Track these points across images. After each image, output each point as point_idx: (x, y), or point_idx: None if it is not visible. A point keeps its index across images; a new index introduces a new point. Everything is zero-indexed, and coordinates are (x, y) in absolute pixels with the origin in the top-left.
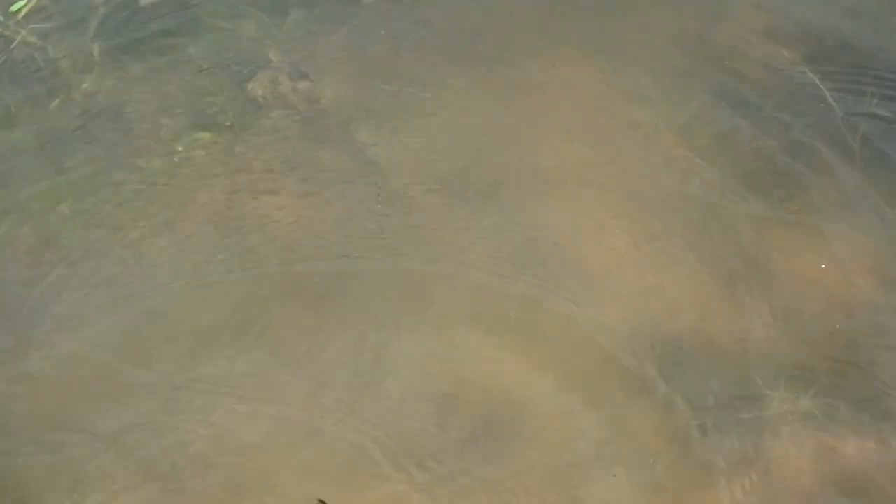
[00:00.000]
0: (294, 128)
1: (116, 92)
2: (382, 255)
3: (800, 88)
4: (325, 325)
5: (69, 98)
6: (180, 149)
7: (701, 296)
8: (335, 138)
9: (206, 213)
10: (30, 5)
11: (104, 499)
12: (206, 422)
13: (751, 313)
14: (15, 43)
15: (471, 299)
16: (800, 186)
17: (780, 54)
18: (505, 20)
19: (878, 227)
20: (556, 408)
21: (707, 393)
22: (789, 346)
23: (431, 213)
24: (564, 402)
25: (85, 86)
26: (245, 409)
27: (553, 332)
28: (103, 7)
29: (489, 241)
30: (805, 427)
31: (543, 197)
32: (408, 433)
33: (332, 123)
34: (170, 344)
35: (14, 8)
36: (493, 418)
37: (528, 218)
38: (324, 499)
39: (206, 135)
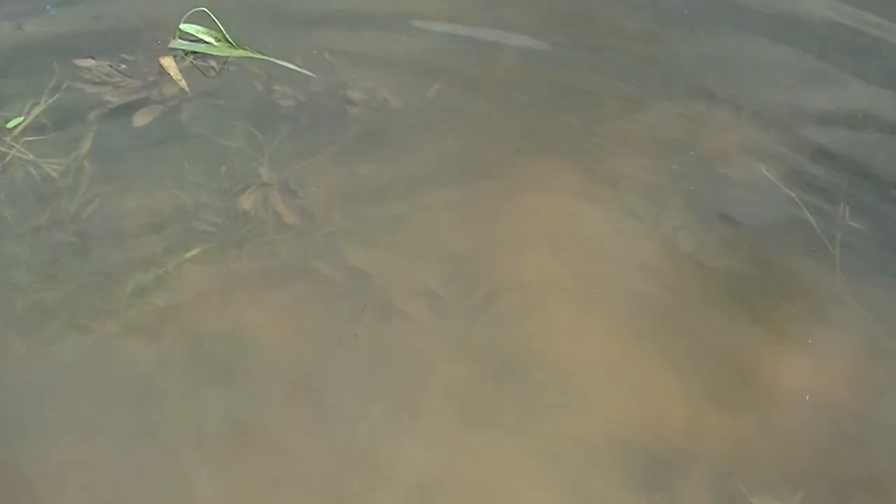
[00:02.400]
0: (283, 242)
1: (108, 206)
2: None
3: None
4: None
5: (62, 212)
6: (171, 263)
7: (688, 405)
8: (323, 253)
9: (196, 327)
10: (26, 122)
11: None
12: None
13: (735, 421)
14: (9, 157)
15: (457, 407)
16: (784, 295)
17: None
18: (483, 136)
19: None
20: None
21: (692, 500)
22: (775, 452)
23: (417, 325)
24: None
25: (77, 200)
26: None
27: (539, 443)
28: (96, 124)
29: (474, 354)
30: None
31: (530, 311)
32: None
33: (321, 238)
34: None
35: (10, 124)
36: None
37: (515, 332)
38: None
39: (197, 249)
